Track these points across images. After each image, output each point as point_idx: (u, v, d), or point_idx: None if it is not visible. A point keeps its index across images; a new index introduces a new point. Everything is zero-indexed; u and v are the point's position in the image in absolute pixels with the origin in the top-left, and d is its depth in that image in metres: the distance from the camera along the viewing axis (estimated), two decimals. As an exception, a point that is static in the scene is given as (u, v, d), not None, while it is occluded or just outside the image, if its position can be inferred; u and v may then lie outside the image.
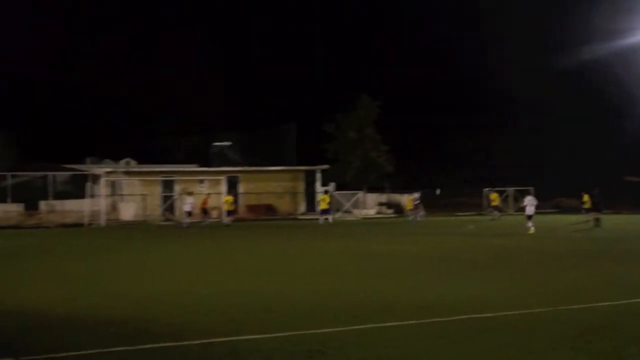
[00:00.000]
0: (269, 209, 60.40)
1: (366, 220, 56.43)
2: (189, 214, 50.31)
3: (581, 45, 79.90)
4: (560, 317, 14.22)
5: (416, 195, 55.24)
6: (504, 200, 64.91)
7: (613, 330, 12.86)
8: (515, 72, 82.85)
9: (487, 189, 61.80)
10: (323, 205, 52.87)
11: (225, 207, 52.24)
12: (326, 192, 56.65)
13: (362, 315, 14.63)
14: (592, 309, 15.17)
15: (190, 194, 52.78)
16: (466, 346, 11.78)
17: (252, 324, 13.88)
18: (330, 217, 52.70)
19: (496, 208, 55.33)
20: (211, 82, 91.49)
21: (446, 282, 19.66)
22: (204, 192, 55.29)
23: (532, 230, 39.33)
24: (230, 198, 52.39)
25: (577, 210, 59.82)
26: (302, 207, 62.23)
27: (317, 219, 52.84)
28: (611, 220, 48.55)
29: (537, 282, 19.53)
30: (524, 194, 62.92)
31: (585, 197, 53.45)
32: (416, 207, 54.59)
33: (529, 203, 41.60)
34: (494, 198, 55.57)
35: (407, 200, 57.28)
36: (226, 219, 51.03)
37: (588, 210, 50.76)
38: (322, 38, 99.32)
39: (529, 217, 40.60)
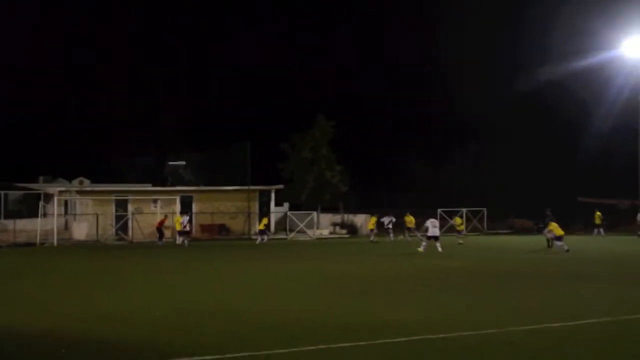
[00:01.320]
0: (223, 229, 60.23)
1: (320, 241, 56.43)
2: (187, 233, 50.38)
3: (537, 67, 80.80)
4: (512, 338, 14.32)
5: (390, 219, 55.19)
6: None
7: (561, 354, 12.97)
8: (472, 94, 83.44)
9: (441, 209, 61.99)
10: (261, 226, 53.67)
11: (176, 227, 51.99)
12: (265, 213, 57.33)
13: (318, 335, 14.66)
14: (543, 329, 15.28)
15: (185, 213, 52.73)
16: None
17: (208, 344, 13.88)
18: (260, 238, 52.91)
19: (410, 230, 54.57)
20: (165, 101, 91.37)
21: (401, 302, 19.74)
22: (159, 212, 55.15)
23: (434, 248, 40.45)
24: (180, 218, 52.18)
25: (529, 231, 60.53)
26: (256, 228, 62.08)
27: (268, 239, 53.26)
28: (566, 241, 48.83)
29: (489, 302, 19.67)
30: (476, 215, 63.35)
31: (458, 220, 54.52)
32: (389, 229, 54.64)
33: (431, 225, 42.22)
34: (409, 220, 54.82)
35: (370, 221, 56.93)
36: (179, 239, 50.75)
37: (460, 232, 52.22)
38: (277, 57, 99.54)
39: (435, 238, 41.36)
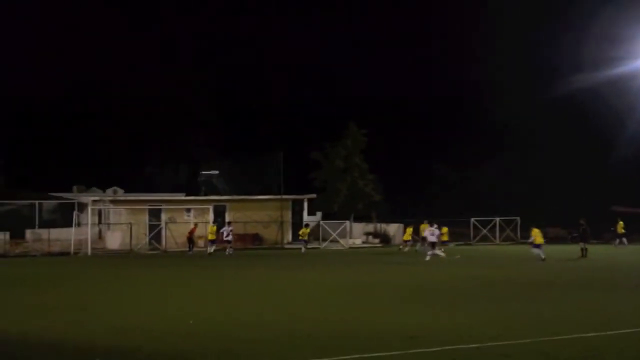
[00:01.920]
0: (256, 238, 60.28)
1: (353, 250, 56.38)
2: (229, 242, 50.25)
3: (571, 74, 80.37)
4: (545, 348, 14.24)
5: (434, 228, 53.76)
6: (491, 229, 64.89)
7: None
8: (505, 101, 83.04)
9: (473, 219, 61.82)
10: (303, 237, 53.32)
11: (208, 237, 51.96)
12: (306, 225, 56.66)
13: (349, 345, 14.65)
14: (577, 340, 15.19)
15: (229, 223, 52.73)
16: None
17: (240, 353, 13.90)
18: (304, 248, 52.57)
19: (424, 239, 52.93)
20: (198, 110, 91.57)
21: (432, 311, 19.70)
22: (192, 222, 55.32)
23: (436, 254, 42.00)
24: (213, 228, 52.10)
25: (563, 240, 60.12)
26: (289, 237, 62.08)
27: (314, 247, 53.05)
28: (598, 251, 48.67)
29: (522, 312, 19.57)
30: (510, 224, 62.96)
31: (443, 229, 52.52)
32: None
33: (429, 233, 43.18)
34: (422, 228, 53.20)
35: (407, 231, 55.78)
36: (210, 248, 50.71)
37: (445, 242, 50.79)
38: (309, 67, 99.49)
39: (432, 245, 42.54)
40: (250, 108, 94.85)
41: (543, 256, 41.00)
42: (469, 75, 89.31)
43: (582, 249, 43.84)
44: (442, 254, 41.57)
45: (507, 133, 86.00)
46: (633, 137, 78.35)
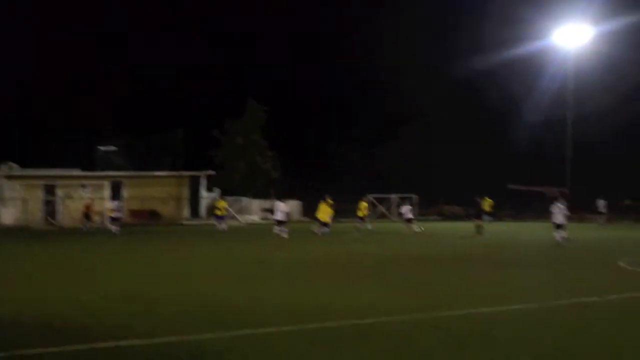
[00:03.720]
0: (153, 214, 59.88)
1: (251, 226, 56.32)
2: (117, 220, 47.26)
3: (470, 56, 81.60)
4: (439, 323, 14.34)
5: (408, 207, 51.66)
6: (388, 207, 65.44)
7: (488, 339, 13.00)
8: (404, 81, 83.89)
9: (370, 195, 62.10)
10: (220, 212, 51.35)
11: (107, 214, 51.21)
12: (222, 197, 56.04)
13: (241, 320, 14.55)
14: (468, 315, 15.33)
15: (117, 199, 51.74)
16: (341, 353, 11.77)
17: (135, 328, 13.71)
18: (219, 224, 50.97)
19: (362, 219, 51.86)
20: (98, 85, 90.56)
21: (327, 288, 19.69)
22: (87, 197, 54.58)
23: (281, 233, 42.55)
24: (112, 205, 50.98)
25: (459, 217, 61.05)
26: (186, 213, 61.82)
27: (212, 224, 52.52)
28: (493, 228, 49.46)
29: (418, 288, 19.72)
30: (405, 201, 63.67)
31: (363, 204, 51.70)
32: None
33: (278, 209, 43.95)
34: (364, 207, 52.02)
35: (360, 206, 52.87)
36: (112, 227, 49.25)
37: (361, 218, 50.56)
38: (208, 43, 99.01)
39: (281, 223, 43.14)
40: (153, 85, 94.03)
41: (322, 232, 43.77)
42: (370, 57, 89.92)
43: (477, 226, 44.51)
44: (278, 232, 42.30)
45: (408, 113, 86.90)
46: (529, 117, 79.79)
